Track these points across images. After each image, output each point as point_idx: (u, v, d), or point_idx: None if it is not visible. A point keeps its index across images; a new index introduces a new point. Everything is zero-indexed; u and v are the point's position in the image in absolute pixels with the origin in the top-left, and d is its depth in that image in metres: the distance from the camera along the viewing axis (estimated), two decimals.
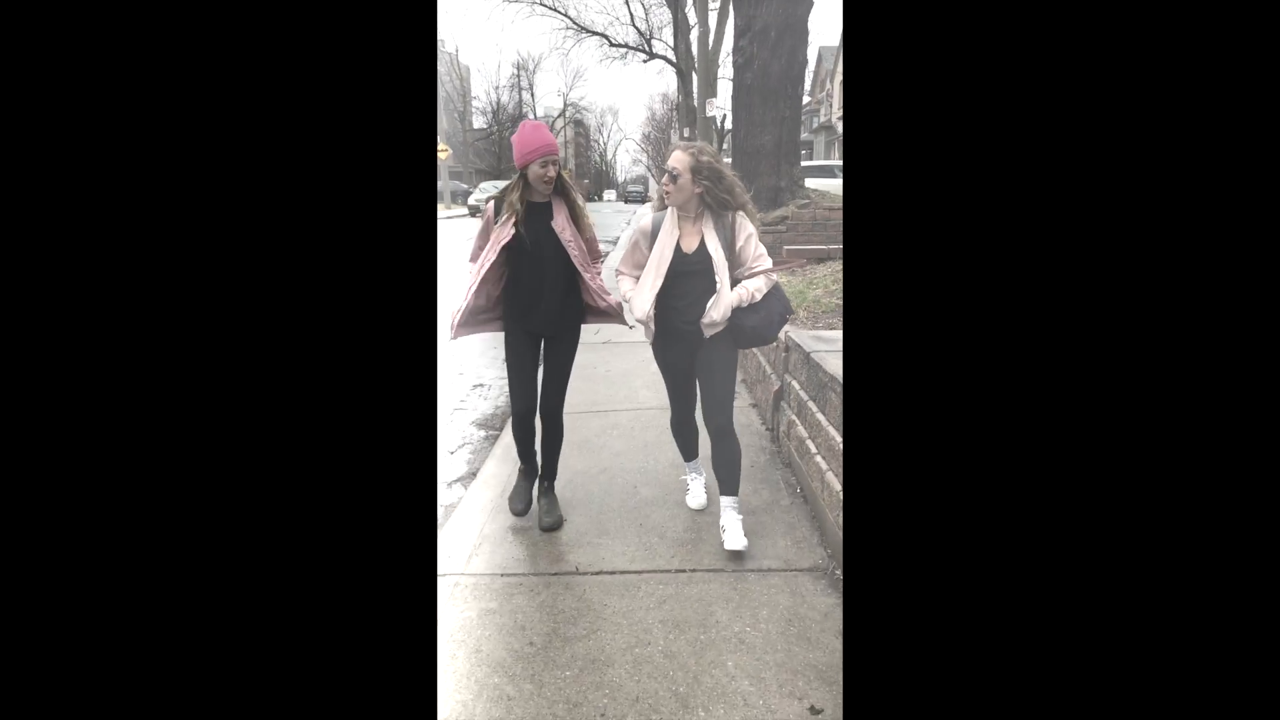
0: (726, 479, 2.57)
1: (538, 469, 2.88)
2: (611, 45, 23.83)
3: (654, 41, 23.60)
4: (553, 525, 2.77)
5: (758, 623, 2.13)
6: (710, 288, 2.42)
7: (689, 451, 2.89)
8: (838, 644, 2.02)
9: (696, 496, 2.89)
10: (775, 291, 2.49)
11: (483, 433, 4.09)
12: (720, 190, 2.36)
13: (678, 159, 2.35)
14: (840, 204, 8.70)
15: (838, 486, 2.43)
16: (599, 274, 2.69)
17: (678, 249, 2.41)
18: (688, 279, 2.42)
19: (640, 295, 2.47)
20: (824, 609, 2.19)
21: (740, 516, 2.56)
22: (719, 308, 2.39)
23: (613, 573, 2.42)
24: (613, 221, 20.26)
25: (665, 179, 2.38)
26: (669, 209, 2.44)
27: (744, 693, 1.84)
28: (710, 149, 2.40)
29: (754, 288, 2.42)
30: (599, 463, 3.34)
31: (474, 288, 2.56)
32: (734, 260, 2.42)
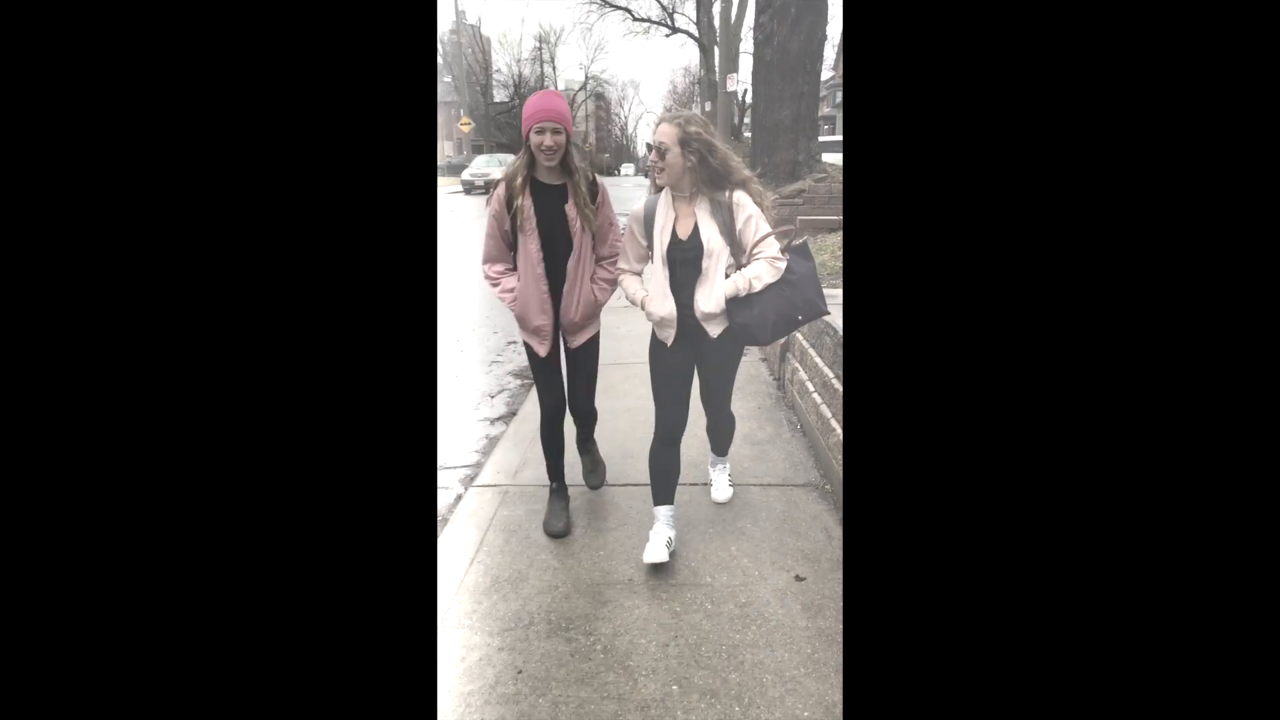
0: (719, 442, 2.67)
1: (566, 490, 2.67)
2: (635, 19, 23.95)
3: (676, 15, 23.68)
4: (599, 482, 2.79)
5: (758, 521, 2.57)
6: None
7: (664, 492, 2.38)
8: (822, 536, 2.46)
9: (656, 548, 2.29)
10: (784, 286, 2.12)
11: (518, 381, 4.55)
12: (713, 164, 2.07)
13: (664, 132, 2.06)
14: None
15: (829, 414, 2.85)
16: (609, 278, 2.39)
17: (673, 233, 2.14)
18: (685, 268, 2.14)
19: (655, 295, 2.20)
20: (813, 513, 2.63)
21: (728, 472, 2.76)
22: (710, 298, 2.12)
23: (637, 485, 2.87)
24: (633, 195, 20.54)
25: (653, 156, 2.09)
26: (663, 192, 2.17)
27: (743, 566, 2.29)
28: (699, 118, 2.12)
29: (751, 275, 2.10)
30: (624, 404, 3.78)
31: (514, 304, 2.35)
32: (735, 245, 2.13)
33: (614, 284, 2.39)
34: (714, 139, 2.08)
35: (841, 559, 2.32)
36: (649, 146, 2.12)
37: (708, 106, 19.18)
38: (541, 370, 2.48)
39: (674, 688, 1.78)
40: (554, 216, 2.21)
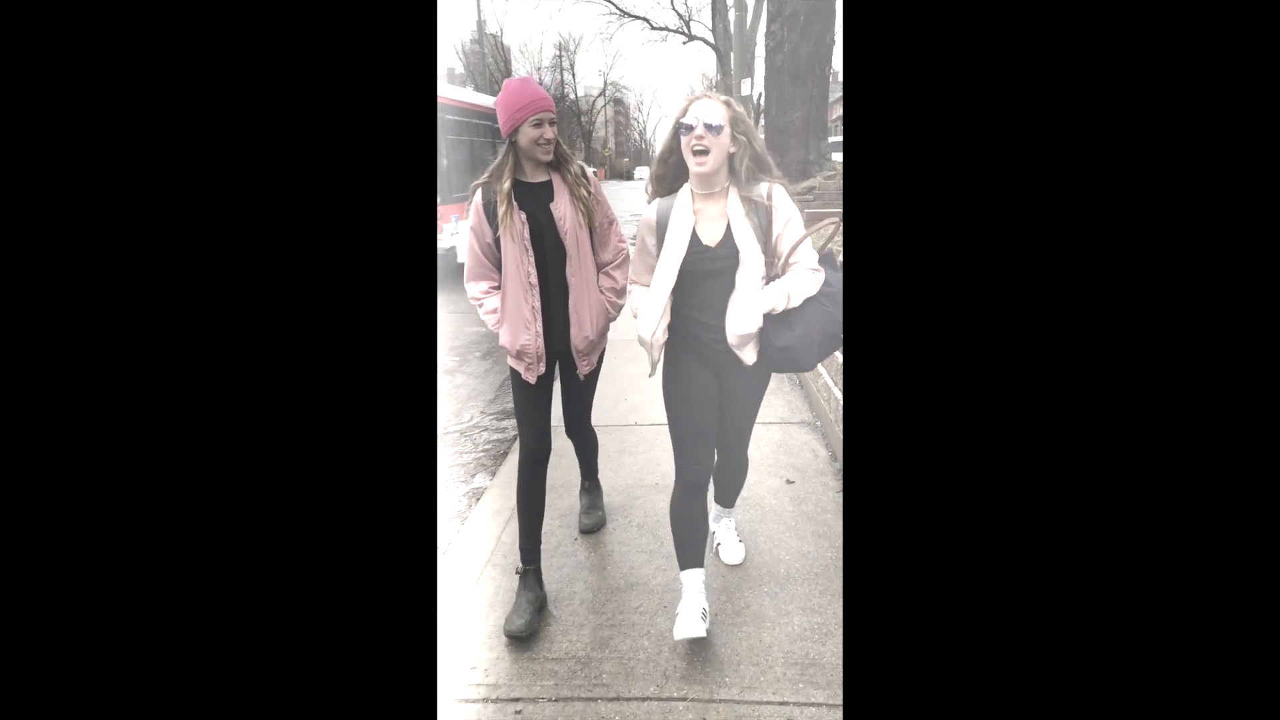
0: (726, 492, 2.29)
1: (541, 587, 2.12)
2: (653, 28, 24.66)
3: (693, 23, 24.37)
4: (593, 526, 2.45)
5: (759, 446, 3.16)
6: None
7: (693, 552, 1.97)
8: (811, 456, 3.06)
9: (690, 621, 1.87)
10: (824, 301, 1.77)
11: None
12: (756, 150, 1.76)
13: (712, 109, 1.70)
14: None
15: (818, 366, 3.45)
16: (618, 287, 2.09)
17: (694, 239, 1.77)
18: (711, 281, 1.78)
19: (646, 309, 1.83)
20: (804, 440, 3.22)
21: (735, 528, 2.40)
22: (745, 316, 1.75)
23: (661, 424, 3.48)
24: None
25: (698, 135, 1.69)
26: (680, 191, 1.81)
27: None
28: (737, 101, 1.80)
29: (790, 289, 1.75)
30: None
31: (499, 325, 2.01)
32: (769, 253, 1.79)
33: (623, 294, 2.10)
34: (751, 125, 1.79)
35: (824, 470, 2.92)
36: (687, 127, 1.71)
37: None
38: (527, 401, 2.08)
39: None
40: (541, 218, 1.93)
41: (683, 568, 1.97)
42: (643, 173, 52.19)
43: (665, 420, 1.97)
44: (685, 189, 1.80)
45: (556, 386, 2.23)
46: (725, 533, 2.36)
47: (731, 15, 18.98)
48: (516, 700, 1.76)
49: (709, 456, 1.96)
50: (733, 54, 18.80)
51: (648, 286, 1.89)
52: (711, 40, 22.47)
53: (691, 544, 1.96)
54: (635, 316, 1.91)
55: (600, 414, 3.45)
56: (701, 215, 1.78)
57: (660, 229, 1.81)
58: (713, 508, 2.31)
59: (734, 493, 2.31)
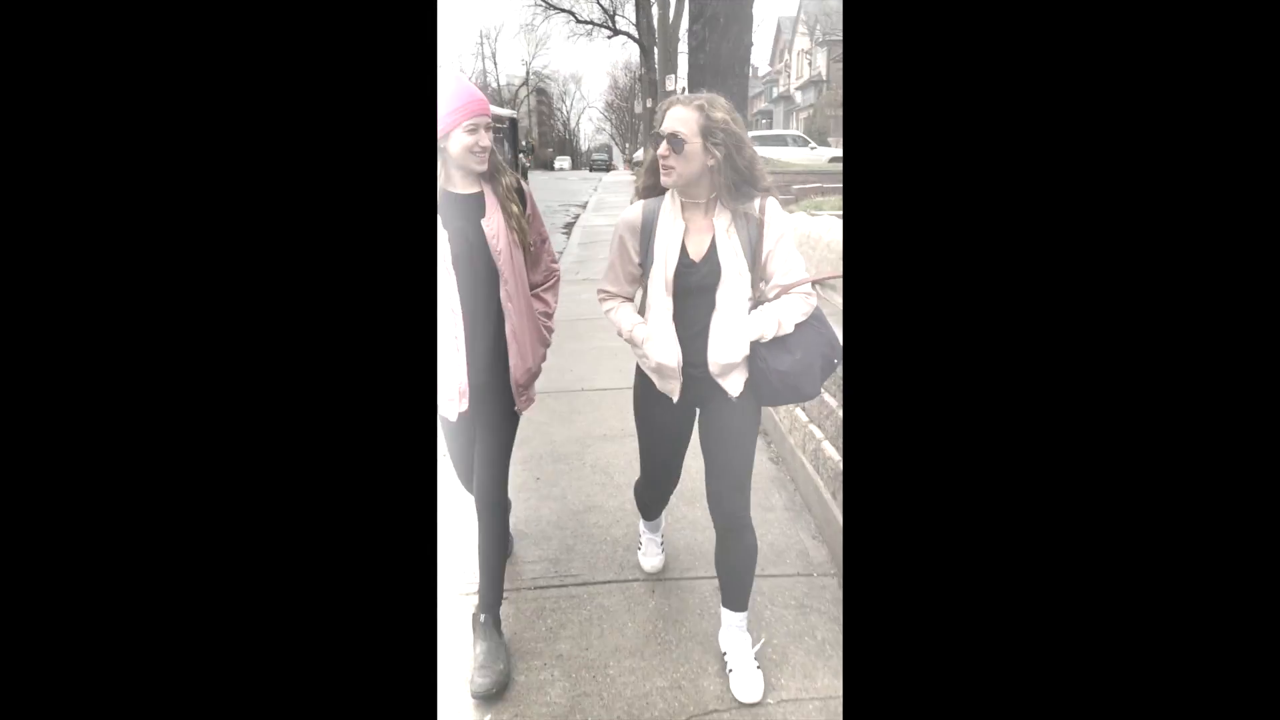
0: (734, 588, 1.82)
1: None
2: (578, 22, 24.94)
3: (618, 18, 24.78)
4: (489, 688, 1.76)
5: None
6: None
7: (651, 510, 2.14)
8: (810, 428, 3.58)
9: (651, 555, 2.25)
10: (815, 323, 1.69)
11: None
12: (740, 164, 1.59)
13: (680, 119, 1.56)
14: (784, 170, 10.33)
15: None
16: (550, 311, 1.93)
17: (682, 252, 1.66)
18: (694, 299, 1.67)
19: (659, 335, 1.68)
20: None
21: (753, 643, 1.85)
22: (728, 342, 1.64)
23: (606, 389, 3.94)
24: (579, 189, 21.41)
25: (663, 149, 1.58)
26: (667, 194, 1.69)
27: None
28: (723, 102, 1.62)
29: (781, 314, 1.64)
30: (590, 344, 4.83)
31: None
32: (757, 272, 1.67)
33: (552, 318, 1.95)
34: (743, 130, 1.62)
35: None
36: (656, 137, 1.61)
37: (649, 103, 20.31)
38: (454, 442, 1.96)
39: None
40: (470, 236, 1.72)
41: (646, 519, 2.21)
42: (564, 162, 51.89)
43: (610, 386, 2.14)
44: (672, 195, 1.68)
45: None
46: (737, 646, 1.84)
47: (655, 12, 19.52)
48: (503, 590, 2.17)
49: (673, 480, 1.97)
50: (656, 49, 19.33)
51: (627, 299, 1.78)
52: (636, 35, 22.94)
53: (653, 506, 2.14)
54: (623, 334, 1.76)
55: (549, 383, 3.90)
56: (689, 226, 1.67)
57: (644, 233, 1.69)
58: (723, 614, 1.89)
59: (745, 588, 1.82)
